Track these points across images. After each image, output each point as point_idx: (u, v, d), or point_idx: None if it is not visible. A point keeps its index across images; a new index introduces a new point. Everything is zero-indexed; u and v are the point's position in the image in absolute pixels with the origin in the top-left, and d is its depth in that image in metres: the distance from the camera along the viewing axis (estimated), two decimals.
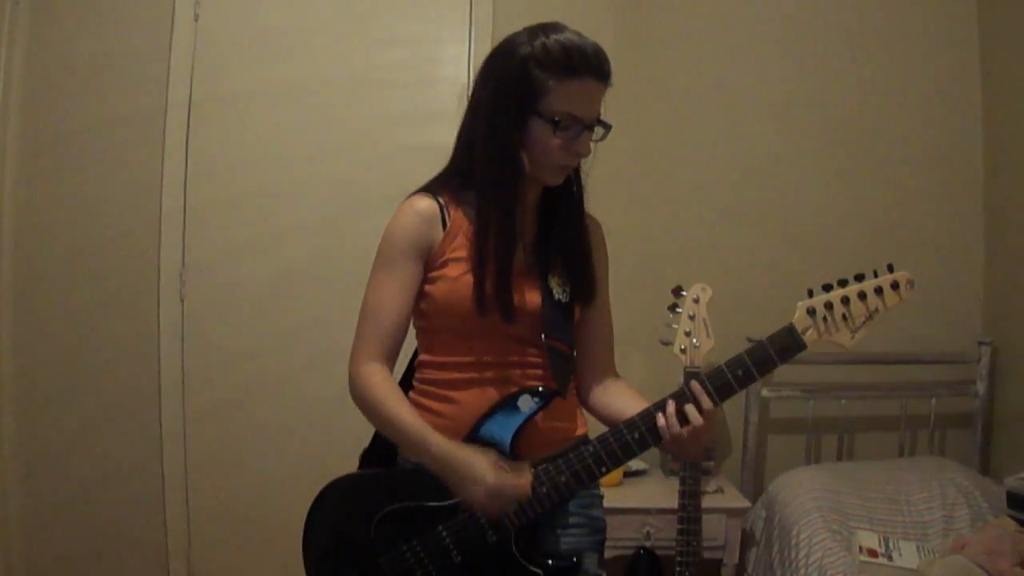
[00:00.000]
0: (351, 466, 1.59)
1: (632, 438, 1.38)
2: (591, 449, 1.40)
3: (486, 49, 2.79)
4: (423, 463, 1.40)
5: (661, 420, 1.36)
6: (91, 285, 2.84)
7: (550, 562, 1.42)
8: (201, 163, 2.85)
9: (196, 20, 2.84)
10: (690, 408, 1.35)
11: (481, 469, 1.36)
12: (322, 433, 2.88)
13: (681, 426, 1.35)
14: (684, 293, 1.49)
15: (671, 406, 1.36)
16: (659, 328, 1.50)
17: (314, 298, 2.89)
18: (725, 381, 1.36)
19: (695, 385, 1.37)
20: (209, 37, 2.84)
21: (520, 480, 1.38)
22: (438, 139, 2.82)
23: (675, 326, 1.48)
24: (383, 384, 1.44)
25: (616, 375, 1.60)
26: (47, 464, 2.85)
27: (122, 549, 2.87)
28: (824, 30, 2.99)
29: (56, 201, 2.84)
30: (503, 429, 1.43)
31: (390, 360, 1.47)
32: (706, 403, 1.36)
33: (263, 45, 2.88)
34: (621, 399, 1.52)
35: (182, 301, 2.86)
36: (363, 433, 1.60)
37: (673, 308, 1.49)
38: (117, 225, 2.84)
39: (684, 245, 2.97)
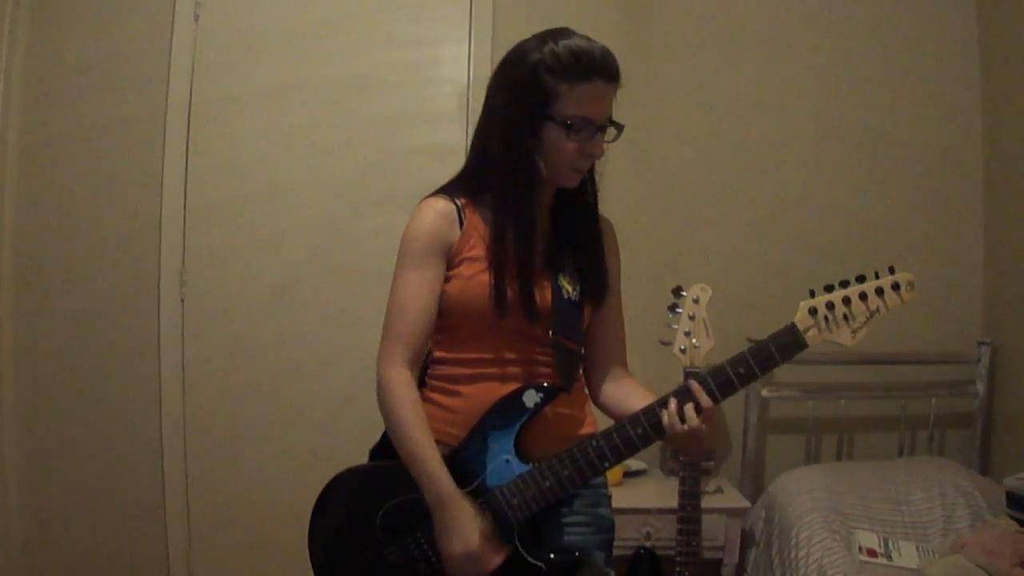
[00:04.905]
0: (352, 464, 1.59)
1: (636, 433, 1.40)
2: (594, 443, 1.42)
3: (486, 49, 2.86)
4: (424, 495, 1.41)
5: (666, 418, 1.38)
6: (91, 285, 2.84)
7: (552, 556, 1.43)
8: (201, 163, 2.85)
9: (196, 20, 2.84)
10: (688, 408, 1.37)
11: (472, 530, 1.39)
12: (322, 433, 2.89)
13: (683, 424, 1.36)
14: (684, 293, 1.49)
15: (673, 403, 1.38)
16: (659, 328, 1.50)
17: (314, 298, 2.89)
18: (727, 378, 1.38)
19: (694, 384, 1.38)
20: (209, 37, 2.84)
21: (496, 557, 1.40)
22: (438, 139, 2.90)
23: (675, 326, 1.48)
24: (410, 403, 1.44)
25: (627, 373, 1.61)
26: (47, 464, 2.85)
27: (122, 549, 2.87)
28: (824, 32, 2.99)
29: (56, 201, 2.84)
30: (507, 424, 1.44)
31: (417, 362, 1.48)
32: (704, 401, 1.37)
33: (263, 45, 2.87)
34: (631, 395, 1.53)
35: (182, 301, 2.86)
36: (364, 432, 1.60)
37: (673, 308, 1.49)
38: (117, 225, 2.84)
39: (684, 245, 2.97)
